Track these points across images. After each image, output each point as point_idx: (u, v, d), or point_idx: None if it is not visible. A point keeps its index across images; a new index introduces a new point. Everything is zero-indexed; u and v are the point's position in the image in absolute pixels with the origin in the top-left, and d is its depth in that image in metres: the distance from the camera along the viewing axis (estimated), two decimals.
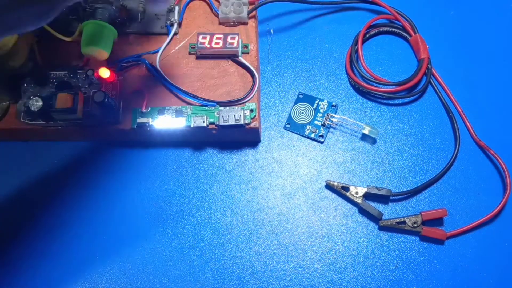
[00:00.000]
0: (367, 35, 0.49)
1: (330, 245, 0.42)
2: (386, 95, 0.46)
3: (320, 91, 0.47)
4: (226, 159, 0.45)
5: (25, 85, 0.41)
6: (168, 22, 0.44)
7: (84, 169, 0.45)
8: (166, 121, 0.41)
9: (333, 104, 0.46)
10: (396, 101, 0.47)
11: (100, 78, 0.41)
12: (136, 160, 0.45)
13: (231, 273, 0.41)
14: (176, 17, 0.44)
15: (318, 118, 0.46)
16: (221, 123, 0.41)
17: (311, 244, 0.42)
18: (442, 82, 0.47)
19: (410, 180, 0.44)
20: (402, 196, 0.43)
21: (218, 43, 0.42)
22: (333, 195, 0.44)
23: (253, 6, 0.44)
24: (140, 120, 0.41)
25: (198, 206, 0.43)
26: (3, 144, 0.46)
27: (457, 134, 0.45)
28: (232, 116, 0.41)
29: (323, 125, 0.46)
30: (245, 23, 0.45)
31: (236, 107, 0.41)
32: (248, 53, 0.43)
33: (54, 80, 0.42)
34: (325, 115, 0.46)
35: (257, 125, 0.42)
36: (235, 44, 0.42)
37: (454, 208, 0.43)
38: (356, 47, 0.48)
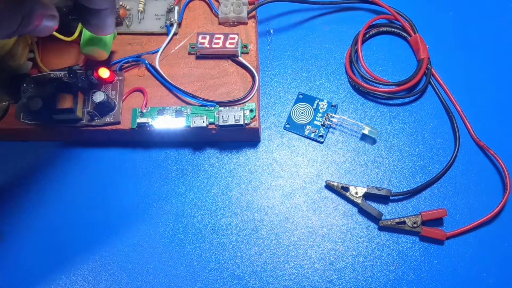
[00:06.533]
0: (367, 35, 0.49)
1: (330, 245, 0.42)
2: (386, 95, 0.46)
3: (320, 91, 0.47)
4: (226, 159, 0.45)
5: (25, 85, 0.41)
6: (168, 22, 0.44)
7: (83, 169, 0.45)
8: (166, 121, 0.41)
9: (333, 104, 0.46)
10: (396, 101, 0.47)
11: (100, 78, 0.41)
12: (136, 160, 0.45)
13: (231, 273, 0.41)
14: (176, 17, 0.44)
15: (318, 118, 0.46)
16: (221, 123, 0.41)
17: (311, 244, 0.42)
18: (441, 82, 0.47)
19: (410, 180, 0.44)
20: (402, 196, 0.43)
21: (217, 43, 0.42)
22: (333, 195, 0.44)
23: (252, 6, 0.44)
24: (140, 120, 0.41)
25: (198, 206, 0.43)
26: (3, 144, 0.46)
27: (457, 134, 0.45)
28: (232, 116, 0.41)
29: (323, 125, 0.46)
30: (245, 23, 0.45)
31: (236, 107, 0.41)
32: (248, 53, 0.43)
33: (54, 80, 0.42)
34: (325, 115, 0.46)
35: (257, 125, 0.42)
36: (234, 44, 0.42)
37: (454, 208, 0.43)
38: (356, 47, 0.48)
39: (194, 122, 0.41)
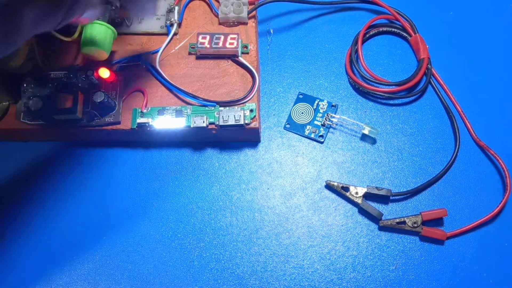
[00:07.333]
0: (367, 35, 0.49)
1: (330, 245, 0.42)
2: (386, 95, 0.46)
3: (320, 91, 0.47)
4: (226, 159, 0.45)
5: (25, 85, 0.41)
6: (168, 22, 0.44)
7: (84, 169, 0.45)
8: (166, 121, 0.41)
9: (333, 104, 0.46)
10: (396, 101, 0.47)
11: (100, 78, 0.41)
12: (136, 160, 0.45)
13: (231, 273, 0.41)
14: (176, 17, 0.44)
15: (318, 118, 0.46)
16: (221, 123, 0.41)
17: (311, 244, 0.42)
18: (442, 82, 0.47)
19: (410, 180, 0.44)
20: (402, 196, 0.43)
21: (218, 43, 0.42)
22: (333, 195, 0.44)
23: (253, 6, 0.44)
24: (140, 120, 0.41)
25: (198, 206, 0.43)
26: (3, 144, 0.46)
27: (457, 134, 0.45)
28: (232, 116, 0.41)
29: (323, 125, 0.46)
30: (245, 23, 0.45)
31: (236, 107, 0.41)
32: (248, 53, 0.43)
33: (54, 80, 0.42)
34: (325, 115, 0.46)
35: (257, 125, 0.42)
36: (235, 44, 0.42)
37: (454, 208, 0.43)
38: (356, 47, 0.48)
39: (194, 122, 0.41)
